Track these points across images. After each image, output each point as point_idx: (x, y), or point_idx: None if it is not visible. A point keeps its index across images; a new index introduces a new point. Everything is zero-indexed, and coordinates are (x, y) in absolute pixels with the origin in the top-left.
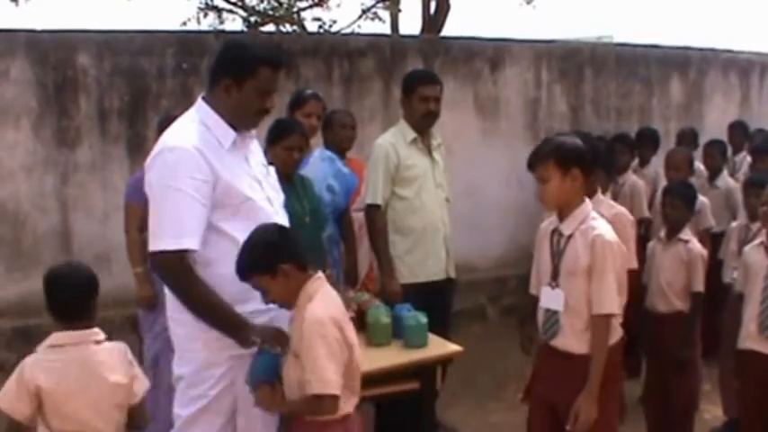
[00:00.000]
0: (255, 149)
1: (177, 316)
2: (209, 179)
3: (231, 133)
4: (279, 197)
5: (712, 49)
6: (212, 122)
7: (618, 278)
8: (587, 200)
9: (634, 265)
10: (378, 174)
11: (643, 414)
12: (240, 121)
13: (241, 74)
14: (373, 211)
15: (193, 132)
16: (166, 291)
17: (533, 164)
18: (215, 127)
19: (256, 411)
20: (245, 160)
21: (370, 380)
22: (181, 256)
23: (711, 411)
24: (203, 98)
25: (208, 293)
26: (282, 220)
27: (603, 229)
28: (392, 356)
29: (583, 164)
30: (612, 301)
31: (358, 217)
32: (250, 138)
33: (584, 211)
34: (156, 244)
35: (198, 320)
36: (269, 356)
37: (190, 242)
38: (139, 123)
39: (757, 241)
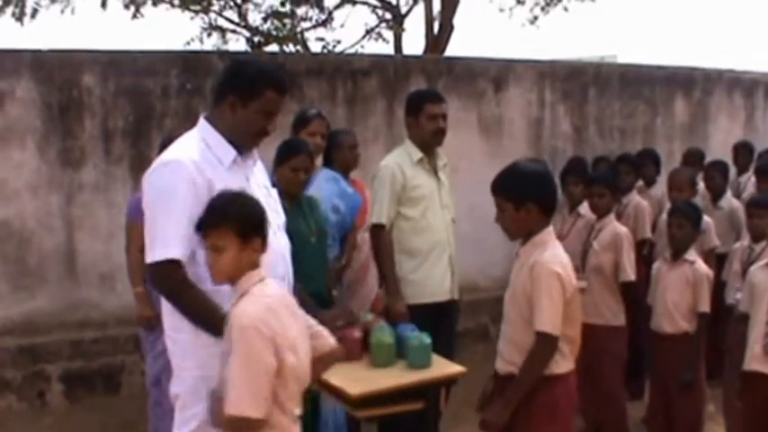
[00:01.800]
0: (258, 171)
1: (172, 334)
2: (203, 193)
3: (231, 152)
4: (279, 218)
5: (717, 69)
6: (213, 140)
7: (569, 310)
8: (549, 228)
9: (632, 277)
10: (384, 193)
11: None
12: (240, 140)
13: (247, 93)
14: (378, 231)
15: (192, 148)
16: (163, 308)
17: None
18: (215, 145)
19: None
20: (246, 180)
21: (373, 400)
22: (170, 266)
23: (716, 431)
24: (205, 117)
25: (202, 300)
26: (282, 241)
27: (548, 257)
28: (396, 376)
29: (537, 194)
30: (549, 321)
31: (367, 239)
32: (252, 159)
33: (541, 240)
34: (148, 257)
35: (198, 330)
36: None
37: (175, 251)
38: (143, 143)
39: (763, 262)
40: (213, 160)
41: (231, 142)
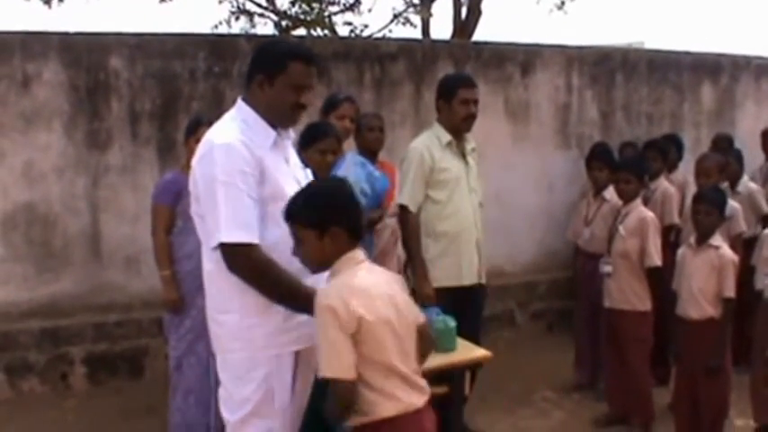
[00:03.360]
0: (292, 152)
1: (218, 316)
2: (256, 173)
3: (272, 133)
4: None
5: (744, 56)
6: (253, 121)
7: (366, 345)
8: (351, 253)
9: (658, 262)
10: (412, 176)
11: (672, 421)
12: (277, 118)
13: (272, 69)
14: (405, 213)
15: (236, 129)
16: (208, 289)
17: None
18: (256, 126)
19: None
20: (285, 161)
21: None
22: (248, 248)
23: (742, 418)
24: (243, 99)
25: (281, 276)
26: None
27: (328, 287)
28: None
29: (340, 220)
30: (329, 366)
31: (391, 223)
32: (288, 139)
33: (336, 268)
34: (221, 237)
35: (246, 310)
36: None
37: (248, 236)
38: (170, 126)
39: None
40: (257, 140)
41: (269, 123)
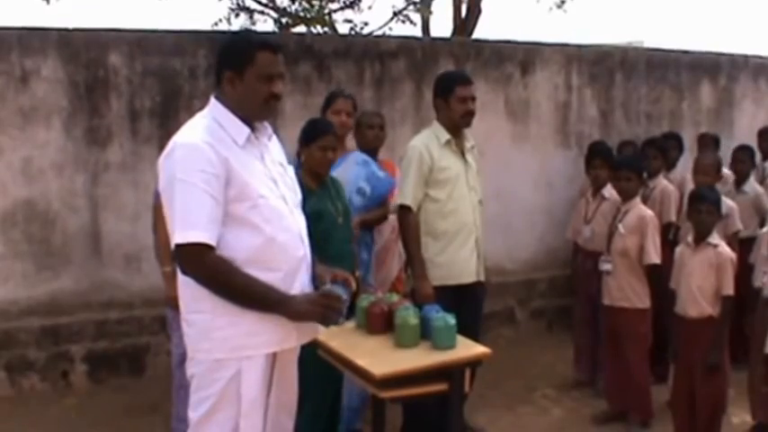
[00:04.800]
0: (274, 148)
1: (188, 316)
2: (220, 173)
3: (245, 130)
4: (296, 197)
5: (743, 55)
6: (225, 119)
7: None
8: None
9: (657, 260)
10: (411, 175)
11: (671, 418)
12: (251, 112)
13: (240, 63)
14: (405, 212)
15: (204, 129)
16: (180, 290)
17: None
18: (228, 124)
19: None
20: (260, 158)
21: (397, 381)
22: (203, 248)
23: (739, 416)
24: (216, 97)
25: (234, 278)
26: (298, 219)
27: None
28: (420, 357)
29: None
30: None
31: (392, 220)
32: (267, 136)
33: None
34: (176, 238)
35: (216, 312)
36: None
37: (206, 235)
38: (170, 123)
39: None
40: (227, 140)
41: (243, 119)
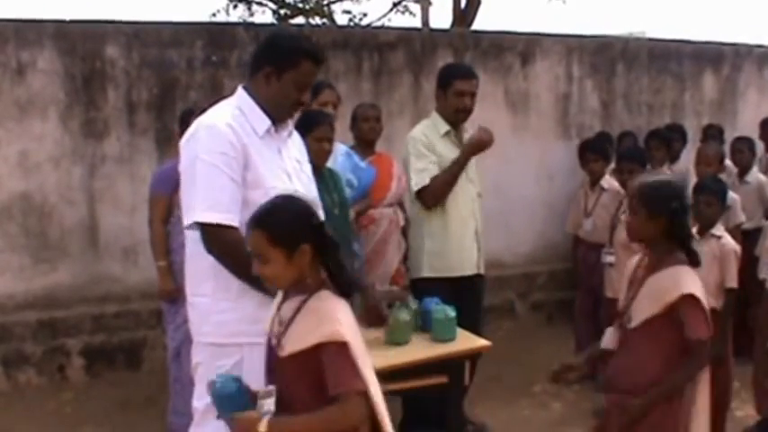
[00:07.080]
0: (293, 144)
1: (192, 298)
2: (240, 157)
3: (266, 121)
4: (309, 194)
5: (746, 45)
6: (248, 109)
7: None
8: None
9: None
10: (415, 159)
11: None
12: (276, 111)
13: (283, 64)
14: (425, 192)
15: (227, 114)
16: (186, 271)
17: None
18: (250, 114)
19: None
20: (278, 151)
21: (397, 373)
22: (221, 228)
23: (744, 410)
24: (244, 87)
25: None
26: None
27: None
28: (420, 350)
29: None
30: None
31: (389, 212)
32: (287, 131)
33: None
34: (189, 217)
35: (218, 295)
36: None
37: (225, 217)
38: (168, 115)
39: None
40: (248, 128)
41: (266, 113)
